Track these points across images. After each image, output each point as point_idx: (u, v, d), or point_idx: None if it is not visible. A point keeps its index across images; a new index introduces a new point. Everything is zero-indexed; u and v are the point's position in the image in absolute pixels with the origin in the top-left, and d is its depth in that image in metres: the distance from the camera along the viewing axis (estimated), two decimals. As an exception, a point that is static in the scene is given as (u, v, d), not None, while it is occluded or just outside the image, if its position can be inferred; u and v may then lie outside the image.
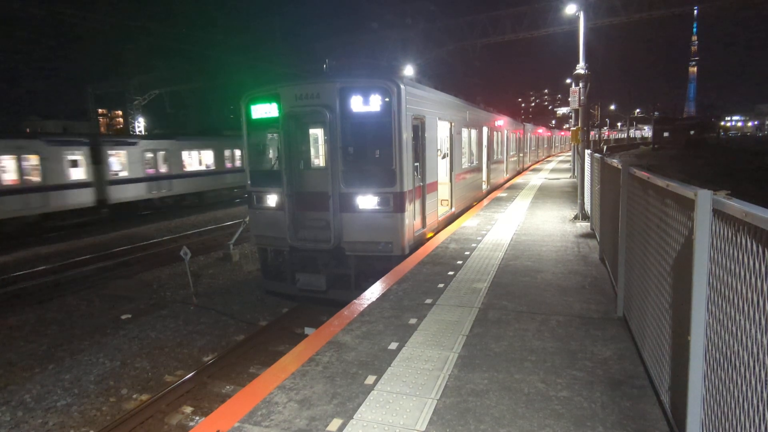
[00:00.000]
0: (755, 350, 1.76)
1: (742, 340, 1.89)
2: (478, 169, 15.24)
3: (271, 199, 8.81)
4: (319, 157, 9.40)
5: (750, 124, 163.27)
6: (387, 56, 30.22)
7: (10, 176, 17.22)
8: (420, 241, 8.97)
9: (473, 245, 8.50)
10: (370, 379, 3.78)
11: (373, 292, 6.04)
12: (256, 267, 11.91)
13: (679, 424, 2.76)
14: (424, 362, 4.05)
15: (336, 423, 3.21)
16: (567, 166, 30.09)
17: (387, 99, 7.95)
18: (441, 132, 10.85)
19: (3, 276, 12.11)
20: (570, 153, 36.17)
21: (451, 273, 6.77)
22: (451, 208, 11.73)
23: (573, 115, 15.26)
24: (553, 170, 28.55)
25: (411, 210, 8.49)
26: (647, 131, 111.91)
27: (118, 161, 21.40)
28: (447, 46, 31.27)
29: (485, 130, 15.96)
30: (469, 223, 10.88)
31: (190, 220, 21.31)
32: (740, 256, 1.92)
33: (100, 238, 17.54)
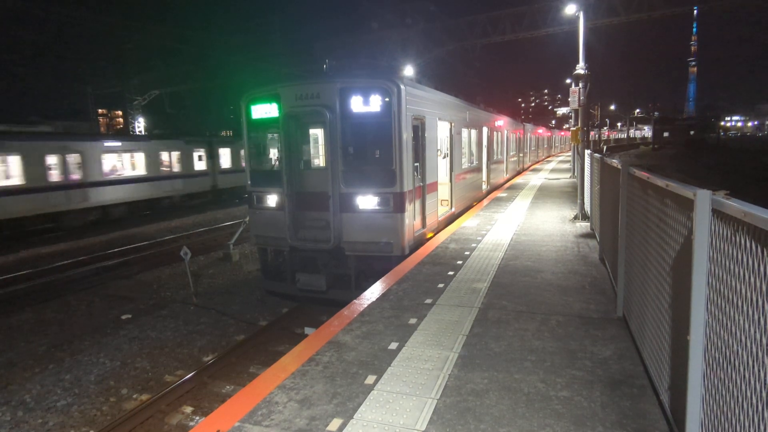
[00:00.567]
0: (755, 350, 1.77)
1: (741, 339, 1.89)
2: (478, 169, 15.24)
3: (271, 199, 8.81)
4: (319, 157, 9.40)
5: (750, 124, 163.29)
6: (387, 56, 30.22)
7: (165, 167, 23.98)
8: (420, 241, 8.97)
9: (473, 245, 8.51)
10: (370, 379, 3.79)
11: (373, 292, 6.04)
12: (256, 267, 11.91)
13: (678, 424, 2.77)
14: (424, 362, 4.06)
15: (336, 423, 3.21)
16: (567, 166, 30.10)
17: (387, 99, 7.95)
18: (441, 132, 10.86)
19: (3, 276, 12.11)
20: (570, 153, 36.18)
21: (451, 273, 6.78)
22: (451, 208, 11.73)
23: (573, 115, 15.27)
24: (553, 170, 28.56)
25: (411, 210, 8.49)
26: (647, 131, 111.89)
27: (224, 157, 27.68)
28: (447, 46, 31.25)
29: (485, 130, 15.96)
30: (469, 223, 10.88)
31: (190, 220, 21.32)
32: (740, 256, 1.92)
33: (100, 238, 17.54)
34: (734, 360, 1.96)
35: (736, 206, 1.94)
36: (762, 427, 1.72)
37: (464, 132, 12.99)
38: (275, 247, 9.05)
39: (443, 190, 11.30)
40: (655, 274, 3.34)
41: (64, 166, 18.69)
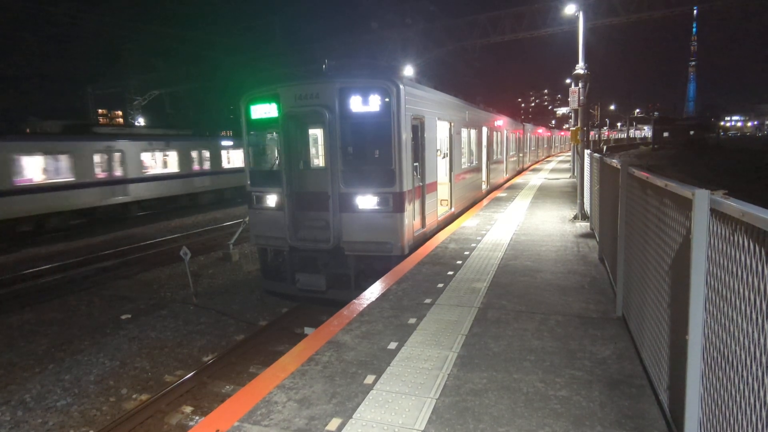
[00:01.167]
0: (753, 349, 1.77)
1: (739, 339, 1.89)
2: (478, 169, 15.24)
3: (271, 200, 8.81)
4: (318, 157, 9.40)
5: (750, 124, 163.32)
6: (387, 56, 30.22)
7: (226, 162, 27.55)
8: (419, 241, 8.97)
9: (473, 245, 8.51)
10: (370, 379, 3.79)
11: (373, 291, 6.04)
12: (255, 267, 11.91)
13: (677, 424, 2.77)
14: (423, 362, 4.06)
15: (335, 422, 3.21)
16: (567, 166, 30.10)
17: (386, 99, 7.95)
18: (440, 132, 10.86)
19: (3, 276, 12.12)
20: (570, 153, 36.18)
21: (450, 273, 6.78)
22: (451, 208, 11.73)
23: (573, 115, 15.27)
24: (552, 170, 28.56)
25: (410, 210, 8.49)
26: (647, 131, 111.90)
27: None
28: (447, 46, 31.25)
29: (485, 130, 15.96)
30: (468, 223, 10.89)
31: (190, 220, 21.32)
32: (738, 256, 1.92)
33: (100, 238, 17.54)
34: (732, 360, 1.97)
35: (734, 206, 1.94)
36: (760, 427, 1.72)
37: (464, 132, 13.00)
38: (275, 247, 9.05)
39: (443, 190, 11.30)
40: (654, 273, 3.34)
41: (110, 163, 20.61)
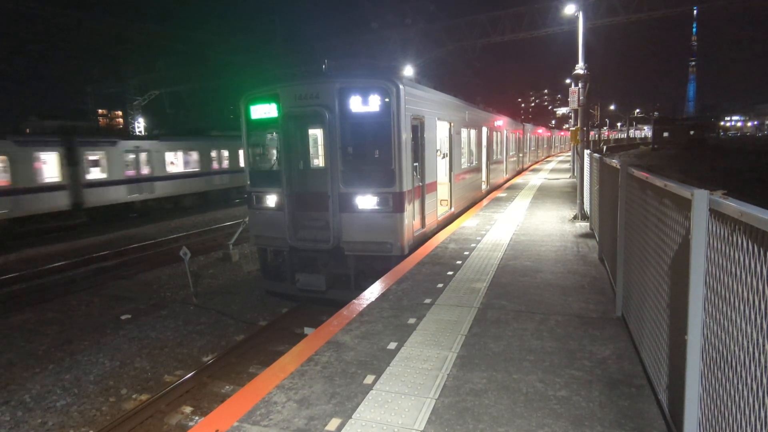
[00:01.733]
0: (752, 349, 1.77)
1: (738, 339, 1.89)
2: (478, 170, 15.24)
3: (271, 200, 8.81)
4: (318, 158, 9.40)
5: (750, 124, 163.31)
6: (387, 56, 30.22)
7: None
8: (419, 241, 8.98)
9: (472, 245, 8.51)
10: (369, 379, 3.79)
11: (373, 292, 6.04)
12: (255, 267, 11.92)
13: (676, 423, 2.77)
14: (422, 362, 4.06)
15: (335, 422, 3.21)
16: (566, 166, 30.10)
17: (386, 99, 7.95)
18: (440, 132, 10.86)
19: (3, 276, 12.12)
20: (569, 153, 36.17)
21: (450, 273, 6.78)
22: (451, 208, 11.73)
23: (572, 115, 15.27)
24: (552, 170, 28.56)
25: (410, 210, 8.49)
26: (647, 131, 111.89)
27: None
28: (447, 46, 31.26)
29: (485, 130, 15.96)
30: (468, 223, 10.89)
31: (190, 221, 21.32)
32: (737, 256, 1.92)
33: (100, 238, 17.54)
34: (731, 360, 1.97)
35: (733, 206, 1.94)
36: (759, 427, 1.72)
37: (464, 132, 13.00)
38: (275, 247, 9.05)
39: (443, 190, 11.30)
40: (653, 273, 3.34)
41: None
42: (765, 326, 1.67)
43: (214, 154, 26.63)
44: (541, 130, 43.91)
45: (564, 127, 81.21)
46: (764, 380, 1.67)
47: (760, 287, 1.70)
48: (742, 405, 1.86)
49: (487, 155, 16.61)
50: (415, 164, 8.79)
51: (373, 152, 8.43)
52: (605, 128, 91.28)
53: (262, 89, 8.87)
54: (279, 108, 8.49)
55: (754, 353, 1.75)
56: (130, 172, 21.60)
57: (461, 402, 3.42)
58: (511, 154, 23.21)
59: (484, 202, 14.60)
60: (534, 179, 22.30)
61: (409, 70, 24.84)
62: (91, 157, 19.93)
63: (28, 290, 11.34)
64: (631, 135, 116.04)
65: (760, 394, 1.70)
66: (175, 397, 6.29)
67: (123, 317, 9.38)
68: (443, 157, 11.48)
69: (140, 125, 39.27)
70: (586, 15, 13.88)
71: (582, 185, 11.25)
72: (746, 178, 26.48)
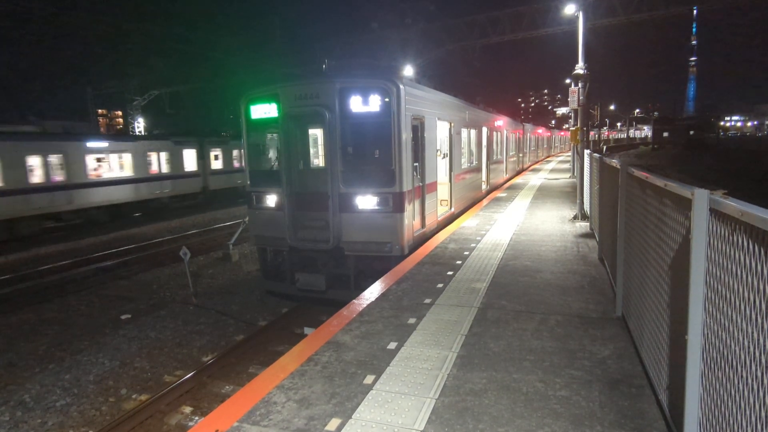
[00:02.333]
0: (752, 349, 1.77)
1: (739, 339, 1.89)
2: (478, 170, 15.24)
3: (271, 200, 8.81)
4: (318, 158, 9.40)
5: (750, 124, 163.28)
6: (387, 56, 30.22)
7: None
8: (419, 241, 8.97)
9: (472, 245, 8.51)
10: (369, 379, 3.79)
11: (373, 292, 6.04)
12: (255, 267, 11.91)
13: (676, 423, 2.77)
14: (422, 362, 4.06)
15: (335, 423, 3.21)
16: (566, 166, 30.10)
17: (386, 99, 7.95)
18: (440, 132, 10.86)
19: (3, 276, 12.11)
20: (569, 153, 36.17)
21: (450, 273, 6.78)
22: (451, 208, 11.73)
23: (572, 115, 15.27)
24: (552, 170, 28.56)
25: (410, 210, 8.49)
26: (647, 131, 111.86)
27: None
28: (446, 46, 31.24)
29: (485, 130, 15.96)
30: (468, 223, 10.89)
31: (190, 221, 21.32)
32: (737, 256, 1.92)
33: (100, 238, 17.54)
34: (732, 360, 1.96)
35: (733, 205, 1.94)
36: (759, 427, 1.72)
37: (464, 132, 13.00)
38: (275, 247, 9.05)
39: (443, 190, 11.30)
40: (653, 273, 3.34)
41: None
42: (766, 326, 1.66)
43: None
44: (541, 130, 43.92)
45: (564, 127, 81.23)
46: (765, 380, 1.67)
47: (761, 287, 1.70)
48: (742, 405, 1.86)
49: (487, 155, 16.61)
50: (415, 164, 8.78)
51: (373, 152, 8.43)
52: (605, 128, 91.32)
53: (262, 89, 8.87)
54: (279, 108, 8.49)
55: (754, 353, 1.74)
56: (237, 164, 28.34)
57: (461, 402, 3.41)
58: (511, 154, 23.21)
59: (484, 202, 14.59)
60: (534, 179, 22.30)
61: (409, 70, 24.84)
62: (213, 153, 27.14)
63: (28, 290, 11.33)
64: (631, 135, 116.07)
65: (761, 393, 1.69)
66: (174, 397, 6.29)
67: (123, 317, 9.37)
68: (443, 157, 11.47)
69: (140, 125, 39.26)
70: (586, 15, 13.87)
71: (582, 185, 11.25)
72: (748, 177, 26.48)
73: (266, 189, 8.85)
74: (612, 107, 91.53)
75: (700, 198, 2.24)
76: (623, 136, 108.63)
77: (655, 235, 3.31)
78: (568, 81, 20.80)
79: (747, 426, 1.82)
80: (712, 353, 2.20)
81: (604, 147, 43.41)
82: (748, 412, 1.81)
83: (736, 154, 49.20)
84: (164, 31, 32.94)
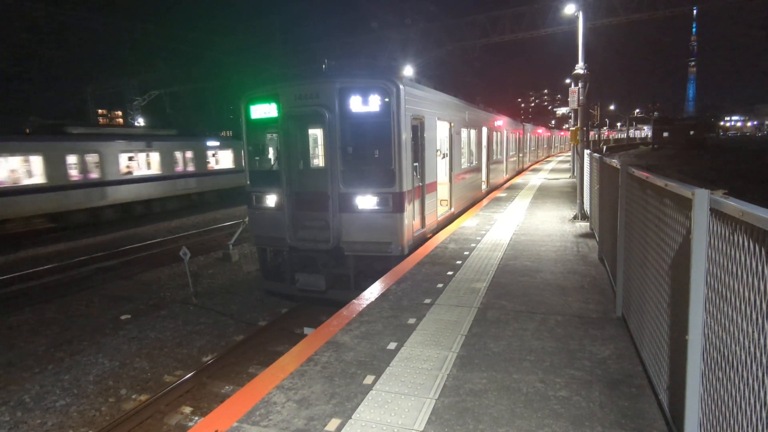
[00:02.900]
0: (753, 349, 1.76)
1: (739, 339, 1.89)
2: (478, 170, 15.24)
3: (271, 200, 8.80)
4: (318, 158, 9.40)
5: (750, 124, 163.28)
6: (387, 56, 30.22)
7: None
8: (419, 241, 8.97)
9: (472, 245, 8.50)
10: (369, 379, 3.78)
11: (372, 292, 6.04)
12: (255, 267, 11.91)
13: (677, 424, 2.76)
14: (422, 362, 4.05)
15: (334, 423, 3.20)
16: (566, 166, 30.10)
17: (386, 99, 7.95)
18: (440, 132, 10.86)
19: (3, 276, 12.11)
20: (569, 153, 36.16)
21: (450, 273, 6.77)
22: (451, 208, 11.73)
23: (572, 115, 15.26)
24: (552, 170, 28.56)
25: (410, 210, 8.49)
26: (647, 131, 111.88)
27: None
28: (447, 46, 31.24)
29: (484, 130, 15.96)
30: (468, 223, 10.88)
31: (190, 221, 21.31)
32: (738, 256, 1.92)
33: (100, 238, 17.53)
34: (732, 360, 1.96)
35: (734, 205, 1.94)
36: (760, 427, 1.71)
37: (463, 132, 12.99)
38: (275, 247, 9.04)
39: (442, 190, 11.29)
40: (654, 273, 3.34)
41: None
42: (766, 326, 1.66)
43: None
44: (540, 130, 43.92)
45: (564, 127, 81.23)
46: (766, 380, 1.66)
47: (762, 287, 1.69)
48: (743, 405, 1.85)
49: (487, 155, 16.61)
50: (415, 164, 8.78)
51: (373, 152, 8.42)
52: (605, 128, 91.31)
53: (262, 89, 8.86)
54: (279, 108, 8.48)
55: (755, 353, 1.74)
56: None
57: (461, 402, 3.41)
58: (511, 154, 23.21)
59: (484, 202, 14.59)
60: (534, 179, 22.30)
61: (409, 70, 24.83)
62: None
63: (27, 290, 11.32)
64: (631, 135, 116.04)
65: (762, 394, 1.69)
66: (174, 398, 6.28)
67: (123, 317, 9.37)
68: (443, 157, 11.47)
69: (140, 125, 39.24)
70: (586, 15, 13.86)
71: (582, 185, 11.24)
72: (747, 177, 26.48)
73: (266, 189, 8.84)
74: (612, 107, 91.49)
75: (701, 198, 2.24)
76: (623, 136, 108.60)
77: (656, 235, 3.31)
78: (568, 81, 20.80)
79: (748, 426, 1.82)
80: (713, 353, 2.20)
81: (604, 147, 43.38)
82: (748, 413, 1.81)
83: (737, 154, 49.19)
84: (164, 31, 32.92)
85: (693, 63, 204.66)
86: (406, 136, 8.19)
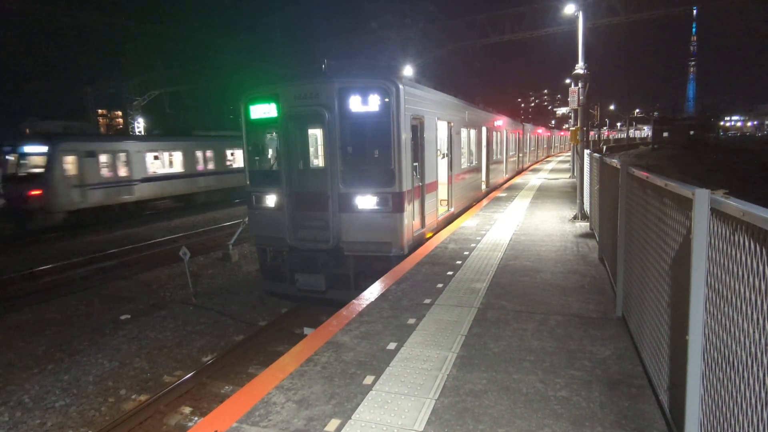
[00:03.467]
0: (753, 349, 1.76)
1: (740, 339, 1.88)
2: (478, 169, 15.24)
3: (271, 200, 8.80)
4: (318, 158, 9.39)
5: (750, 124, 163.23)
6: (387, 56, 30.22)
7: None
8: (419, 241, 8.97)
9: (472, 245, 8.50)
10: (369, 379, 3.78)
11: (372, 292, 6.03)
12: (255, 267, 11.90)
13: (677, 424, 2.76)
14: (422, 362, 4.05)
15: (334, 423, 3.20)
16: (566, 166, 30.09)
17: (386, 99, 7.94)
18: (440, 132, 10.85)
19: (3, 276, 12.10)
20: (569, 153, 36.15)
21: (450, 273, 6.77)
22: (450, 208, 11.72)
23: (572, 115, 15.26)
24: (552, 170, 28.56)
25: (410, 210, 8.48)
26: (647, 131, 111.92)
27: None
28: (446, 46, 31.25)
29: (484, 130, 15.95)
30: (468, 223, 10.88)
31: (190, 221, 21.30)
32: (738, 256, 1.91)
33: (100, 238, 17.53)
34: (733, 360, 1.96)
35: (734, 205, 1.93)
36: (761, 427, 1.71)
37: (463, 132, 12.99)
38: (274, 247, 9.04)
39: (442, 190, 11.29)
40: (654, 273, 3.33)
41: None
42: (767, 326, 1.65)
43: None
44: (540, 130, 43.91)
45: (564, 127, 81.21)
46: (766, 380, 1.66)
47: (762, 287, 1.69)
48: (743, 405, 1.85)
49: (486, 155, 16.60)
50: (414, 164, 8.78)
51: (373, 152, 8.42)
52: (605, 128, 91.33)
53: (262, 89, 8.86)
54: (279, 108, 8.48)
55: (755, 353, 1.74)
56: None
57: (461, 402, 3.40)
58: (510, 154, 23.20)
59: (484, 202, 14.59)
60: (534, 179, 22.29)
61: (409, 70, 24.82)
62: None
63: (28, 290, 11.32)
64: (631, 135, 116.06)
65: (762, 394, 1.68)
66: (174, 398, 6.28)
67: (122, 317, 9.36)
68: (443, 157, 11.46)
69: (140, 125, 39.24)
70: (586, 15, 13.85)
71: (582, 185, 11.24)
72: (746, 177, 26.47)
73: (266, 189, 8.84)
74: (612, 107, 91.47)
75: (701, 198, 2.23)
76: (623, 136, 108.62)
77: (656, 235, 3.30)
78: (568, 81, 20.79)
79: (748, 426, 1.81)
80: (713, 353, 2.20)
81: (604, 147, 43.40)
82: (749, 413, 1.80)
83: (737, 154, 49.18)
84: (164, 31, 32.92)
85: (693, 63, 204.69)
86: (405, 136, 8.18)
